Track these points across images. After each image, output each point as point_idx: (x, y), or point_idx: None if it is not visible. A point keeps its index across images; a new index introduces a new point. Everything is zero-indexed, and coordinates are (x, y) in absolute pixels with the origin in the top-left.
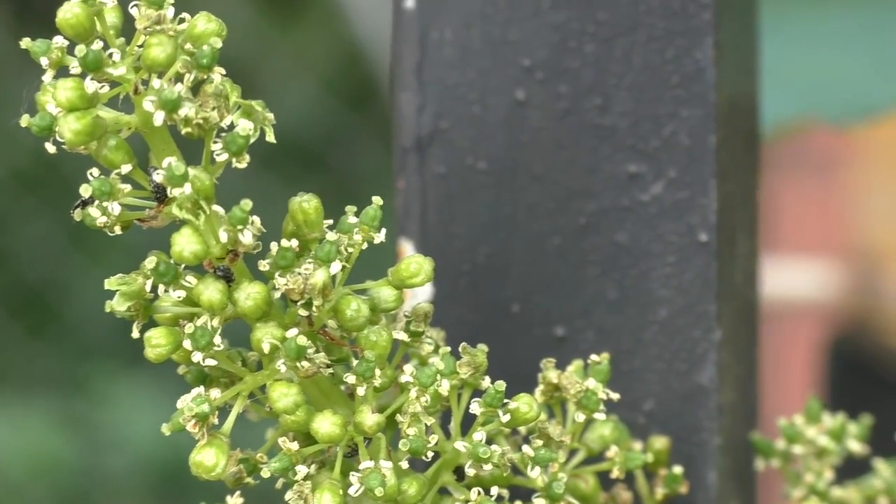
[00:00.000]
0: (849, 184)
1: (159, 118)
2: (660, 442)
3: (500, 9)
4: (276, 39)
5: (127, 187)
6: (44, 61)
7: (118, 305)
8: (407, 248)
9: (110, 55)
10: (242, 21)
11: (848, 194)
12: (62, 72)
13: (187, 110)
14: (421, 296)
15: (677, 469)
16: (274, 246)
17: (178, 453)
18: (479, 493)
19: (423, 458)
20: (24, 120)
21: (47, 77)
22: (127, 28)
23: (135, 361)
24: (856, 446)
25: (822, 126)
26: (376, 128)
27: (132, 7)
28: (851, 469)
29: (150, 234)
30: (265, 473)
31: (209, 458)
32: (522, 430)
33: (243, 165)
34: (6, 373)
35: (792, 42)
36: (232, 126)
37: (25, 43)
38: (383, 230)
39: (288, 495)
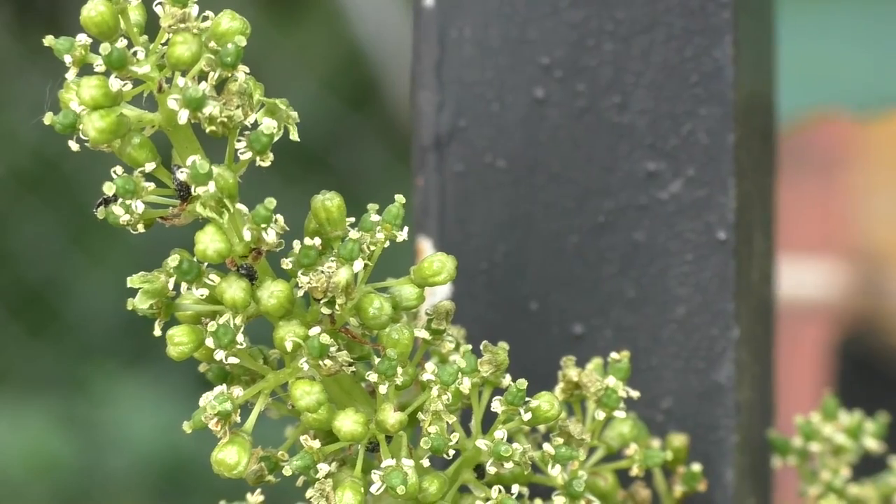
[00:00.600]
0: (853, 184)
1: (184, 116)
2: (678, 440)
3: (518, 7)
4: (278, 39)
5: (150, 185)
6: (67, 59)
7: (140, 303)
8: (425, 246)
9: (134, 53)
10: None
11: (852, 194)
12: (85, 69)
13: (212, 108)
14: (440, 294)
15: (696, 467)
16: (297, 244)
17: (178, 453)
18: (500, 490)
19: (445, 456)
20: (48, 118)
21: (70, 75)
22: (149, 26)
23: (135, 361)
24: (872, 444)
25: (831, 120)
26: (377, 128)
27: (156, 5)
28: (865, 467)
29: (151, 235)
30: (286, 471)
31: (231, 457)
32: (542, 428)
33: (267, 164)
34: (6, 372)
35: (801, 35)
36: (256, 124)
37: (49, 40)
38: (405, 228)
39: (309, 493)
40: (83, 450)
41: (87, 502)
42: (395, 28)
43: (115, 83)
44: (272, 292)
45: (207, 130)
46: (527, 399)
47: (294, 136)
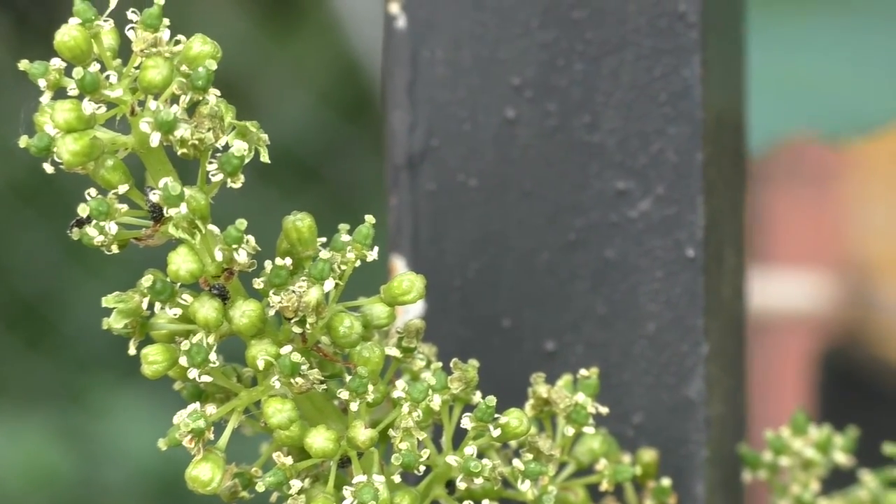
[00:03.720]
0: (842, 196)
1: (156, 139)
2: (648, 455)
3: (489, 28)
4: (273, 52)
5: (124, 207)
6: (41, 83)
7: (115, 323)
8: (399, 264)
9: (107, 77)
10: (239, 33)
11: (841, 206)
12: (59, 92)
13: (183, 131)
14: (413, 311)
15: (665, 481)
16: (268, 264)
17: (175, 466)
18: None
19: (416, 472)
20: (23, 141)
21: (45, 98)
22: (123, 50)
23: (132, 373)
24: (842, 458)
25: (818, 141)
26: (372, 140)
27: (129, 30)
28: (838, 481)
29: (147, 250)
30: (260, 487)
31: (205, 473)
32: (513, 443)
33: (238, 185)
34: (4, 385)
35: (785, 54)
36: (227, 146)
37: (24, 65)
38: (376, 248)
39: None
40: (81, 462)
41: None
42: None
43: (88, 107)
44: (244, 312)
45: (179, 153)
46: (496, 415)
47: (264, 157)
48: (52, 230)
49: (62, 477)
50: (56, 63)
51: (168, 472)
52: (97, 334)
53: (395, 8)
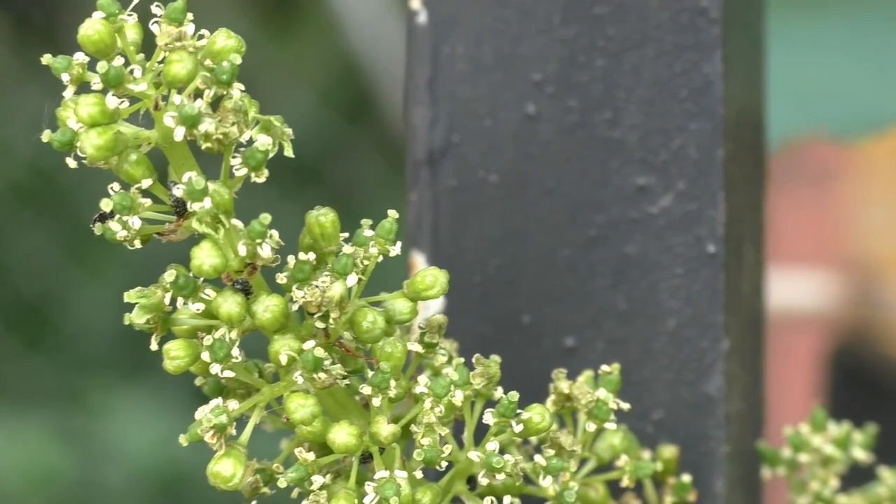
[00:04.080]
0: (845, 195)
1: (180, 133)
2: (668, 451)
3: (511, 24)
4: (273, 51)
5: (147, 202)
6: (65, 77)
7: (137, 318)
8: (419, 260)
9: (131, 71)
10: (239, 33)
11: (845, 205)
12: (79, 88)
13: (207, 126)
14: (433, 308)
15: (686, 478)
16: (291, 259)
17: (175, 466)
18: (492, 501)
19: (438, 467)
20: (46, 135)
21: (68, 93)
22: (145, 45)
23: (132, 374)
24: (861, 454)
25: (822, 140)
26: (373, 140)
27: (152, 24)
28: (856, 477)
29: (147, 249)
30: (282, 483)
31: (227, 469)
32: (533, 439)
33: (262, 180)
34: (4, 386)
35: (796, 53)
36: (251, 141)
37: (46, 59)
38: (398, 243)
39: None
40: (80, 462)
41: None
42: (391, 41)
43: (112, 101)
44: (267, 306)
45: (203, 147)
46: (518, 411)
47: (289, 152)
48: (53, 230)
49: (61, 477)
50: (79, 57)
51: (167, 473)
52: (97, 335)
53: (416, 4)
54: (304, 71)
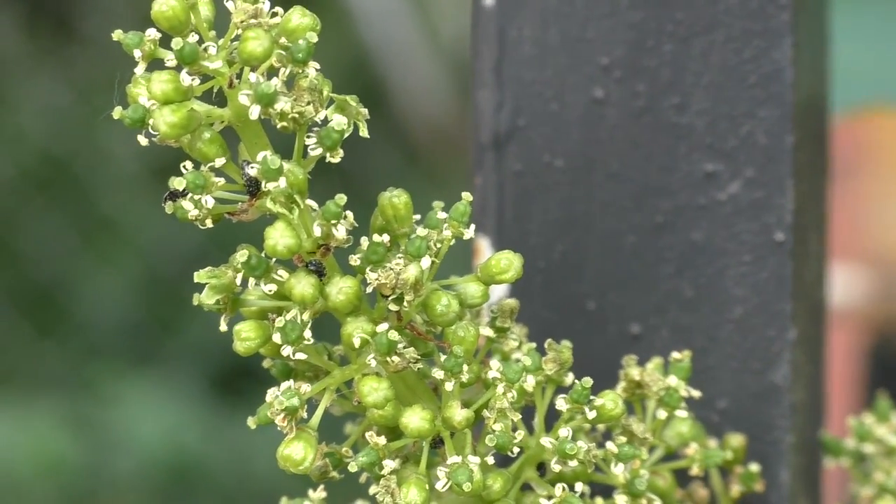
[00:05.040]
0: (873, 189)
1: (255, 112)
2: (737, 440)
3: (577, 7)
4: None
5: (220, 181)
6: (137, 54)
7: (207, 299)
8: (483, 244)
9: (205, 48)
10: None
11: (872, 199)
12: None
13: (283, 104)
14: (496, 293)
15: (754, 467)
16: (364, 241)
17: (184, 454)
18: (563, 488)
19: (509, 453)
20: (117, 112)
21: (139, 69)
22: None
23: (142, 362)
24: None
25: (851, 126)
26: (384, 130)
27: (227, 1)
28: None
29: (157, 236)
30: (352, 467)
31: (298, 452)
32: (600, 426)
33: (337, 160)
34: (14, 372)
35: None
36: (326, 120)
37: (117, 35)
38: (472, 226)
39: (373, 489)
40: (90, 450)
41: (93, 502)
42: (403, 32)
43: (185, 78)
44: (341, 288)
45: (279, 126)
46: (591, 397)
47: (364, 132)
48: (65, 218)
49: (70, 464)
50: (151, 33)
51: (176, 461)
52: (108, 322)
53: None
54: (315, 62)
